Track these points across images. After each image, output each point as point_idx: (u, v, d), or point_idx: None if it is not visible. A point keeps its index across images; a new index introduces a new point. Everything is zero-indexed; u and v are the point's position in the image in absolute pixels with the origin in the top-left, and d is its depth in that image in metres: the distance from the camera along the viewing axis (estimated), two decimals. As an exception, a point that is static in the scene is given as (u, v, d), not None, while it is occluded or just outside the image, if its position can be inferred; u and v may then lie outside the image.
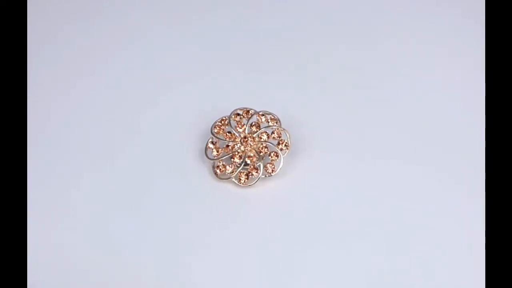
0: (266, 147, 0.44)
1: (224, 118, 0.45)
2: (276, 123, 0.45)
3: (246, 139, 0.44)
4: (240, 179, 0.44)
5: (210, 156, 0.45)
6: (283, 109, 0.46)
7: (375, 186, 0.44)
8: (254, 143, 0.44)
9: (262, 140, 0.44)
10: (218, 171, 0.44)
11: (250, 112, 0.45)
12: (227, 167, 0.44)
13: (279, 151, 0.44)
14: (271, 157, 0.44)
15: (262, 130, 0.45)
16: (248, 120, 0.45)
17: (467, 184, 0.44)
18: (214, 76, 0.49)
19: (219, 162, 0.44)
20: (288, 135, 0.45)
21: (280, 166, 0.44)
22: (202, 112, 0.47)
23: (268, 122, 0.45)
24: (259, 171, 0.44)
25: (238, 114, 0.45)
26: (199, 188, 0.44)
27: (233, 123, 0.45)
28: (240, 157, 0.44)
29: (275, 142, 0.45)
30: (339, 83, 0.49)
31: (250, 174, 0.44)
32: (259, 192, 0.44)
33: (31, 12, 0.51)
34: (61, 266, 0.41)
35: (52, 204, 0.43)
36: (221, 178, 0.44)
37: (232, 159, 0.44)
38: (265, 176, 0.44)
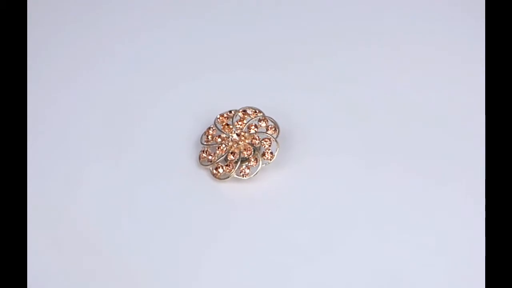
0: (248, 150, 0.44)
1: (232, 111, 0.45)
2: (274, 131, 0.45)
3: (239, 136, 0.45)
4: (217, 170, 0.44)
5: (202, 141, 0.45)
6: (279, 108, 0.46)
7: (372, 187, 0.44)
8: (243, 143, 0.44)
9: (250, 142, 0.44)
10: (204, 154, 0.45)
11: (258, 114, 0.45)
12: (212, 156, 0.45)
13: (260, 160, 0.44)
14: (250, 162, 0.44)
15: (257, 135, 0.44)
16: (249, 120, 0.45)
17: (466, 185, 0.43)
18: (214, 75, 0.49)
19: (207, 148, 0.45)
20: (277, 148, 0.44)
21: (255, 173, 0.44)
22: (201, 112, 0.47)
23: (267, 129, 0.45)
24: (218, 172, 0.44)
25: (245, 111, 0.45)
26: (198, 188, 0.44)
27: (237, 118, 0.45)
28: (223, 150, 0.44)
29: (263, 148, 0.44)
30: (338, 83, 0.48)
31: (217, 170, 0.44)
32: (255, 191, 0.44)
33: (31, 11, 0.51)
34: (60, 266, 0.41)
35: (51, 205, 0.43)
36: (220, 179, 0.44)
37: (217, 149, 0.44)
38: (219, 178, 0.44)
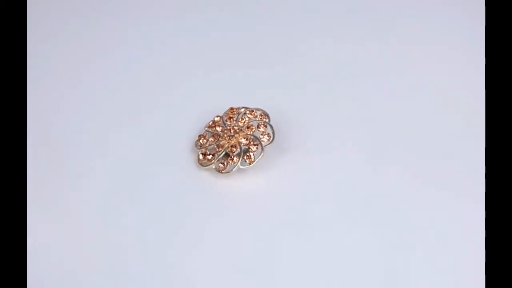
0: (236, 148, 0.44)
1: (243, 108, 0.46)
2: (268, 140, 0.45)
3: (234, 132, 0.45)
4: (204, 156, 0.45)
5: (205, 127, 0.46)
6: (278, 107, 0.47)
7: (371, 187, 0.43)
8: (236, 140, 0.45)
9: (239, 141, 0.45)
10: (200, 139, 0.46)
11: (262, 118, 0.46)
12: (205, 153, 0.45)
13: (239, 160, 0.44)
14: (231, 159, 0.44)
15: (249, 136, 0.45)
16: (251, 121, 0.46)
17: (466, 184, 0.43)
18: (213, 75, 0.49)
19: (205, 134, 0.46)
20: (261, 155, 0.44)
21: (230, 171, 0.44)
22: (201, 112, 0.47)
23: (262, 135, 0.45)
24: (203, 157, 0.45)
25: (253, 112, 0.46)
26: (197, 187, 0.44)
27: (243, 115, 0.46)
28: (216, 140, 0.45)
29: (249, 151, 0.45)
30: (338, 83, 0.48)
31: (204, 156, 0.45)
32: (250, 188, 0.44)
33: (31, 11, 0.51)
34: (60, 263, 0.41)
35: (49, 202, 0.43)
36: (202, 165, 0.45)
37: (211, 137, 0.45)
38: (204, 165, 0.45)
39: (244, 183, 0.44)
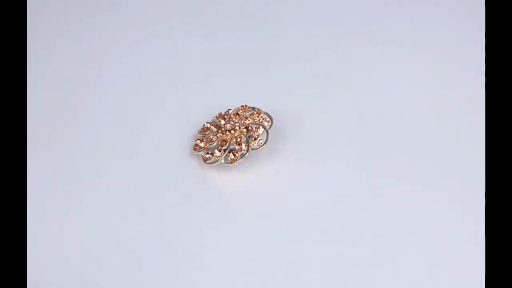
0: (225, 141, 0.45)
1: (253, 108, 0.47)
2: (258, 145, 0.45)
3: (232, 128, 0.46)
4: (200, 141, 0.46)
5: (214, 116, 0.47)
6: (278, 109, 0.47)
7: (370, 191, 0.43)
8: (230, 136, 0.46)
9: (233, 137, 0.46)
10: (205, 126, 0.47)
11: (264, 121, 0.46)
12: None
13: (223, 155, 0.45)
14: (218, 153, 0.45)
15: (243, 135, 0.45)
16: (251, 122, 0.46)
17: (465, 189, 0.43)
18: (214, 76, 0.49)
19: (211, 123, 0.46)
20: (246, 155, 0.45)
21: (212, 164, 0.45)
22: (200, 115, 0.48)
23: (255, 138, 0.45)
24: (199, 144, 0.46)
25: (259, 114, 0.46)
26: (198, 186, 0.45)
27: (248, 115, 0.46)
28: (215, 131, 0.46)
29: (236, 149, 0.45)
30: (337, 84, 0.48)
31: (200, 141, 0.46)
32: (250, 187, 0.45)
33: (31, 11, 0.51)
34: (60, 267, 0.42)
35: (50, 206, 0.44)
36: (194, 150, 0.46)
37: (213, 127, 0.46)
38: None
39: (226, 178, 0.45)
